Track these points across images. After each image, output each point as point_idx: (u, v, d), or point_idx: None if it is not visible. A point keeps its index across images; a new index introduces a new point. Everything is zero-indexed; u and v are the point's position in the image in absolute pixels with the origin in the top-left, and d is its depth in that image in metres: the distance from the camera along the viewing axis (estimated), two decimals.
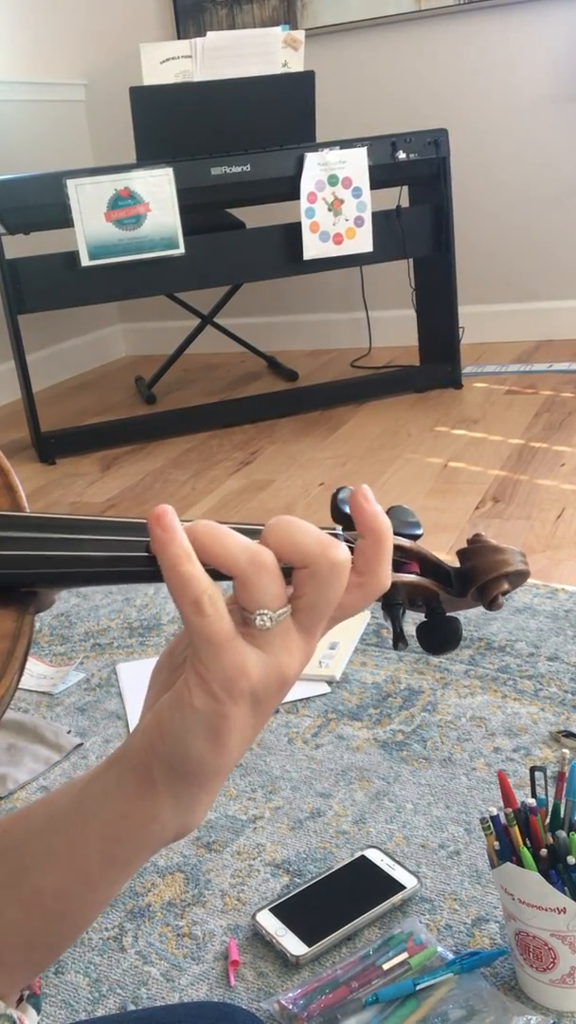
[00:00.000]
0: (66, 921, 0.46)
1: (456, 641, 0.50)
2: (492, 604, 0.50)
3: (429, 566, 0.52)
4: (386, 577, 0.44)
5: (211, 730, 0.41)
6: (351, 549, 0.43)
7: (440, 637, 0.51)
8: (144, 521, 0.44)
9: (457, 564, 0.53)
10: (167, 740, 0.42)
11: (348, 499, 0.44)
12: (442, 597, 0.51)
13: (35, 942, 0.46)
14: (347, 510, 0.46)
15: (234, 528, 0.42)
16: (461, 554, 0.53)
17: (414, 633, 0.53)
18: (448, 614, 0.51)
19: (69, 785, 0.48)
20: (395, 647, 0.49)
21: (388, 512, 0.53)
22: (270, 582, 0.41)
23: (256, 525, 0.44)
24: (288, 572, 0.42)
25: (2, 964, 0.46)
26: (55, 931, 0.46)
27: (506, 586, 0.50)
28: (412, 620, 0.52)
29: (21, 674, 0.42)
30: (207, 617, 0.40)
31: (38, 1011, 0.50)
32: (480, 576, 0.51)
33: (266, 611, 0.41)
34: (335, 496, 0.49)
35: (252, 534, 0.42)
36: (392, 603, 0.49)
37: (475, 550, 0.52)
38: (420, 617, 0.53)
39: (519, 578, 0.51)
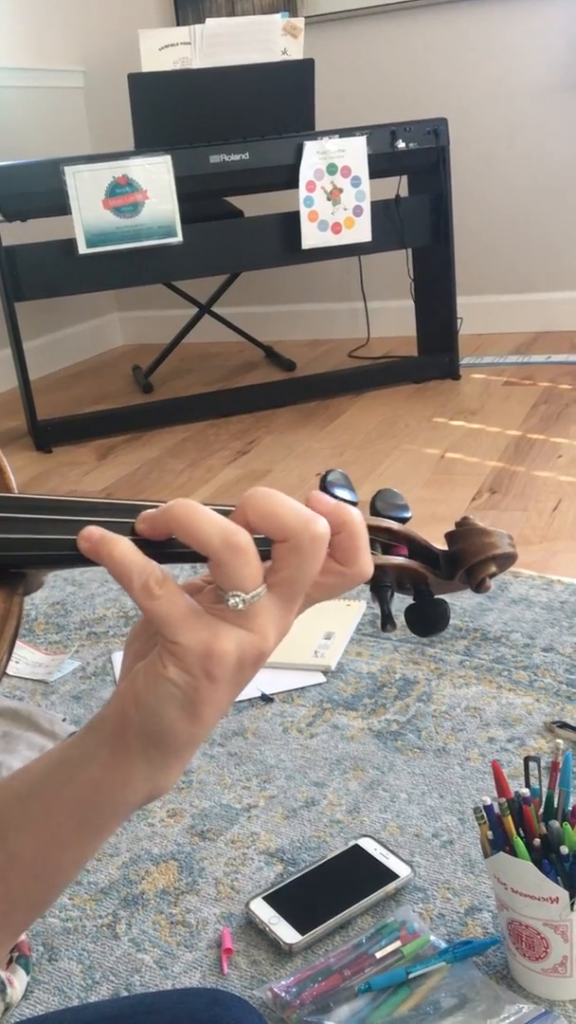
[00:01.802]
0: (43, 882, 0.47)
1: (444, 623, 0.50)
2: (480, 586, 0.50)
3: (418, 549, 0.52)
4: (367, 565, 0.44)
5: (185, 701, 0.42)
6: None
7: (428, 619, 0.50)
8: (136, 503, 0.43)
9: (445, 547, 0.53)
10: (141, 709, 0.42)
11: (311, 505, 0.43)
12: (430, 580, 0.51)
13: (15, 905, 0.47)
14: (336, 493, 0.46)
15: (215, 508, 0.42)
16: (449, 537, 0.53)
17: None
18: (436, 596, 0.51)
19: (47, 754, 0.48)
20: (383, 629, 0.48)
21: (377, 495, 0.53)
22: (244, 564, 0.40)
23: (232, 507, 0.43)
24: (264, 543, 0.42)
25: None
26: (32, 893, 0.47)
27: (494, 568, 0.50)
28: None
29: (11, 655, 0.42)
30: (158, 599, 0.41)
31: (27, 972, 0.51)
32: (468, 559, 0.51)
33: (239, 593, 0.41)
34: (323, 479, 0.48)
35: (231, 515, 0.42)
36: (380, 585, 0.49)
37: (463, 533, 0.52)
38: (409, 600, 0.52)
39: (507, 560, 0.50)
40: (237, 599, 0.41)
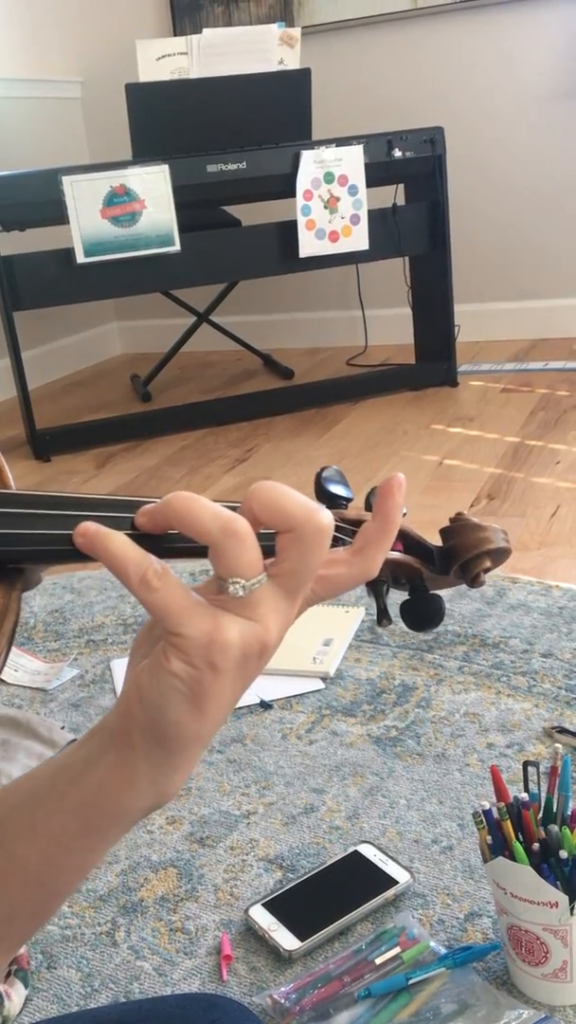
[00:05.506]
0: (46, 890, 0.47)
1: (439, 618, 0.50)
2: (474, 581, 0.50)
3: (413, 544, 0.52)
4: (377, 565, 0.44)
5: (189, 695, 0.41)
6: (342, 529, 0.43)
7: (423, 614, 0.50)
8: (135, 499, 0.43)
9: (440, 543, 0.53)
10: (146, 705, 0.42)
11: (381, 484, 0.44)
12: (425, 575, 0.51)
13: (17, 912, 0.47)
14: (331, 489, 0.46)
15: (224, 505, 0.42)
16: (444, 532, 0.53)
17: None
18: (431, 592, 0.51)
19: (50, 760, 0.48)
20: (379, 624, 0.48)
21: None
22: (242, 550, 0.40)
23: (238, 503, 0.44)
24: (270, 538, 0.42)
25: None
26: (36, 900, 0.47)
27: (488, 563, 0.50)
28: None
29: (9, 651, 0.42)
30: (157, 591, 0.40)
31: (26, 985, 0.50)
32: (463, 554, 0.51)
33: (239, 579, 0.40)
34: (319, 475, 0.49)
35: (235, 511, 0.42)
36: (376, 580, 0.49)
37: (457, 528, 0.52)
38: (404, 596, 0.52)
39: (501, 555, 0.51)
40: (237, 586, 0.40)
